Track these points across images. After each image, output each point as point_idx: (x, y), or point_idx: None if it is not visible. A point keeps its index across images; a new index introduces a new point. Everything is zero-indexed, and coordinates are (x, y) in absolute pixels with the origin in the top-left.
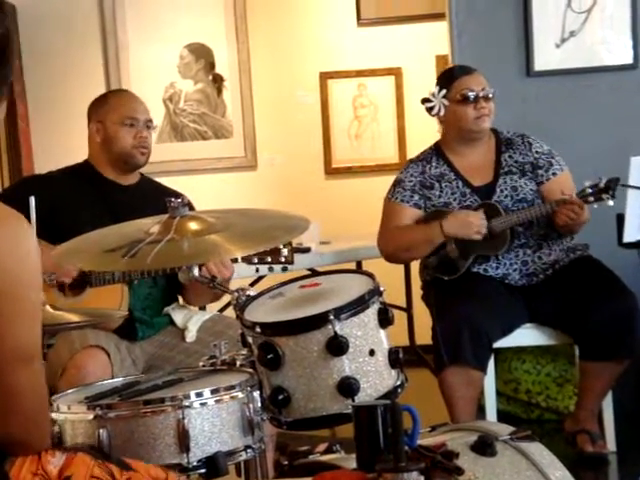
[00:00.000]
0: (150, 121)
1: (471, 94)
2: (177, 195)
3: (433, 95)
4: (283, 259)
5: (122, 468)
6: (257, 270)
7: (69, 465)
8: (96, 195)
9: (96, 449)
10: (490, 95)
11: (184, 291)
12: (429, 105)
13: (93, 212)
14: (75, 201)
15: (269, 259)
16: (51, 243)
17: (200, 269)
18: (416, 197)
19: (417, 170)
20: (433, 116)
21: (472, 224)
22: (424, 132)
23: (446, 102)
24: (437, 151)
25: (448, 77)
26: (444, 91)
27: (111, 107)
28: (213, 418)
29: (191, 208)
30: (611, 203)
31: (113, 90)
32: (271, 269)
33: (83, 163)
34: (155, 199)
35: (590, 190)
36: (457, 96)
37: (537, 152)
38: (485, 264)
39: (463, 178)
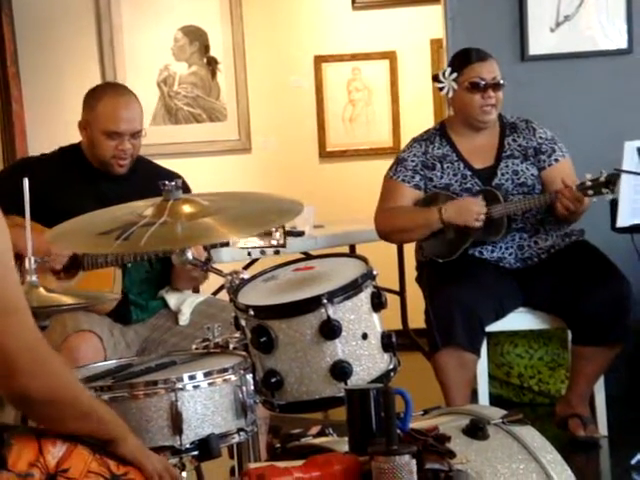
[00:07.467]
0: (137, 132)
1: (481, 82)
2: (174, 176)
3: (444, 74)
4: (275, 242)
5: (119, 462)
6: (249, 254)
7: (68, 457)
8: (85, 182)
9: (95, 440)
10: (501, 82)
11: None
12: (439, 85)
13: (82, 198)
14: (65, 186)
15: (261, 242)
16: (43, 225)
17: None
18: (417, 178)
19: (420, 150)
20: (443, 95)
21: (471, 211)
22: (418, 116)
23: (455, 86)
24: (441, 131)
25: (461, 61)
26: (455, 74)
27: (98, 115)
28: (206, 401)
29: (187, 189)
30: (610, 197)
31: (108, 89)
32: (263, 252)
33: (76, 146)
34: (149, 183)
35: (590, 183)
36: (466, 83)
37: (541, 137)
38: (481, 247)
39: (465, 160)
